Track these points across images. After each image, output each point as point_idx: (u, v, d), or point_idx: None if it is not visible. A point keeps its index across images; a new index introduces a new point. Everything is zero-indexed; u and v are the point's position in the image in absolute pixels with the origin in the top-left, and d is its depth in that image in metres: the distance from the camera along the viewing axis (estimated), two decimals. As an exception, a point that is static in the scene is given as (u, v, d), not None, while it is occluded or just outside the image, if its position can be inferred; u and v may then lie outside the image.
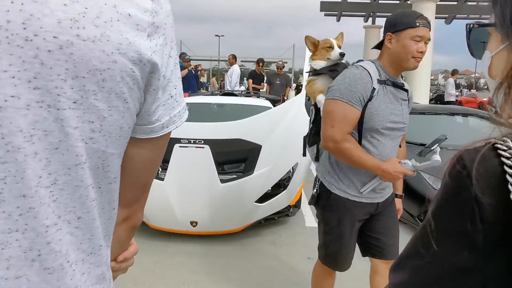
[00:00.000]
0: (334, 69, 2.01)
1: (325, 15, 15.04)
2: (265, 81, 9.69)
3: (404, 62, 1.81)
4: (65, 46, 0.52)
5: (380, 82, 1.83)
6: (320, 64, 2.08)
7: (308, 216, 4.33)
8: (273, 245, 3.60)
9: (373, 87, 1.80)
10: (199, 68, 10.56)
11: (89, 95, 0.55)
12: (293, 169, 3.68)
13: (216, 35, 45.75)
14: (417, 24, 1.75)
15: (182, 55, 9.17)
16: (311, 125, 2.19)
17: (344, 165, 1.91)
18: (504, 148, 0.47)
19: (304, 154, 2.29)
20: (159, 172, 3.75)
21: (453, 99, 11.21)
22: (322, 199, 2.00)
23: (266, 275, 3.07)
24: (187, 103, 5.28)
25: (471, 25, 0.62)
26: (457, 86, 21.48)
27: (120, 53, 0.57)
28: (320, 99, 2.01)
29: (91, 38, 0.54)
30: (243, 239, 3.66)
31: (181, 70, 8.78)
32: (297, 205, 3.99)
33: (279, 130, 3.66)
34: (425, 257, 0.52)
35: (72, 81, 0.54)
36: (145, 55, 0.59)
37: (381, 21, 14.46)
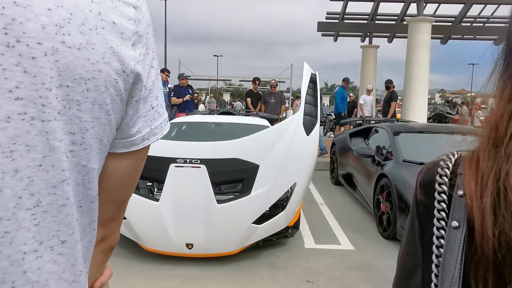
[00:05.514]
0: None
1: (322, 35, 15.17)
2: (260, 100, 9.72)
3: None
4: (50, 53, 0.49)
5: None
6: None
7: (307, 237, 4.23)
8: (271, 267, 3.50)
9: None
10: (195, 96, 10.74)
11: (72, 105, 0.52)
12: (291, 189, 3.60)
13: (215, 55, 46.33)
14: None
15: (179, 76, 9.30)
16: None
17: None
18: (447, 160, 0.54)
19: None
20: (154, 192, 3.68)
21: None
22: None
23: (264, 300, 2.96)
24: (185, 123, 5.23)
25: None
26: (454, 105, 21.49)
27: (105, 62, 0.54)
28: None
29: (76, 46, 0.51)
30: (240, 262, 3.55)
31: (178, 89, 8.83)
32: (296, 226, 3.91)
33: (277, 149, 3.60)
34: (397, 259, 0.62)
35: (56, 90, 0.50)
36: (129, 65, 0.57)
37: (377, 41, 14.61)
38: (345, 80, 11.44)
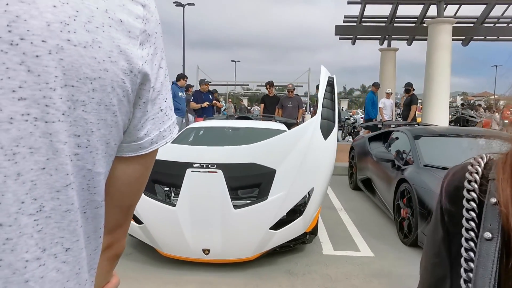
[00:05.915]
0: None
1: (340, 38, 15.07)
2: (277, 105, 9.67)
3: None
4: (55, 51, 0.47)
5: None
6: None
7: (325, 244, 4.16)
8: (288, 274, 3.44)
9: None
10: (219, 104, 10.86)
11: (78, 105, 0.50)
12: (309, 194, 3.55)
13: (232, 61, 46.75)
14: None
15: (200, 81, 9.45)
16: None
17: None
18: (475, 164, 0.50)
19: None
20: (171, 197, 3.68)
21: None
22: None
23: (281, 307, 2.91)
24: (201, 128, 5.24)
25: None
26: (476, 108, 20.93)
27: (111, 62, 0.52)
28: None
29: (82, 44, 0.49)
30: (257, 268, 3.51)
31: (198, 94, 8.93)
32: (314, 231, 3.84)
33: (294, 153, 3.55)
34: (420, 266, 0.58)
35: (61, 90, 0.48)
36: (136, 65, 0.55)
37: (396, 44, 14.45)
38: (375, 85, 11.10)
